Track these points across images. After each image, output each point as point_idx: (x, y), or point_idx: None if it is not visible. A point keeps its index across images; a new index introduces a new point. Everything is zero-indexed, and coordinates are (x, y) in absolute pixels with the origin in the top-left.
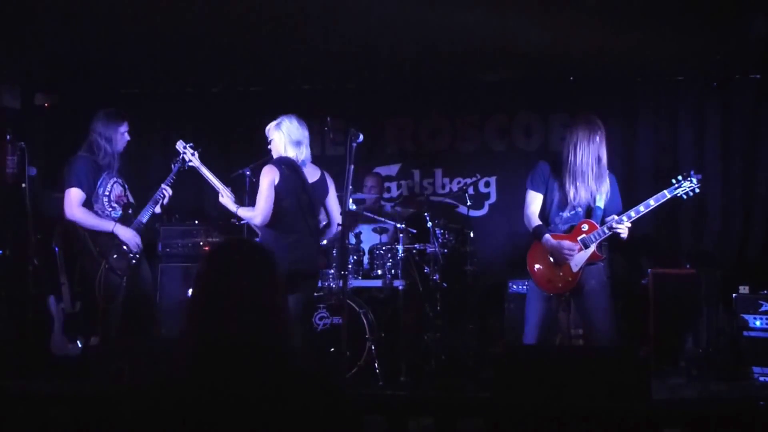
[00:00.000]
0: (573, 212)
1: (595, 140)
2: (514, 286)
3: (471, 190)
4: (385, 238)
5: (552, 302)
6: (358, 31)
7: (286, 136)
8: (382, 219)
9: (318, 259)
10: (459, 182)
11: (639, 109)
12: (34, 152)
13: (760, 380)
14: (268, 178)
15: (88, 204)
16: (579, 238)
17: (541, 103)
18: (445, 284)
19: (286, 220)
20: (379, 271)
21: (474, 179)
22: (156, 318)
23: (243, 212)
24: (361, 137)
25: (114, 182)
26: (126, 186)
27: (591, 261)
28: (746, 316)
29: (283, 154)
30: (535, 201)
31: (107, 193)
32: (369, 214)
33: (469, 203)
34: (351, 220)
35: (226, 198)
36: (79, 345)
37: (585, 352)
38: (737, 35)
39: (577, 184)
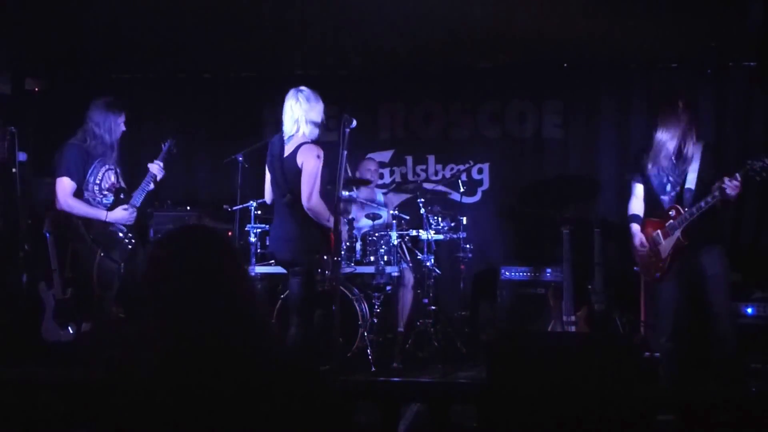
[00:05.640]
0: (671, 195)
1: (678, 118)
2: (507, 273)
3: (464, 177)
4: (378, 224)
5: (669, 285)
6: (352, 17)
7: (283, 114)
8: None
9: (295, 244)
10: (452, 169)
11: (633, 95)
12: (24, 137)
13: (751, 367)
14: None
15: (78, 192)
16: (666, 224)
17: (534, 90)
18: (438, 271)
19: (273, 199)
20: (372, 258)
21: (467, 166)
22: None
23: None
24: (355, 123)
25: (107, 170)
26: (119, 171)
27: (678, 246)
28: (738, 304)
29: None
30: (635, 191)
31: (98, 181)
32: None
33: (462, 190)
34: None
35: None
36: (71, 332)
37: (578, 339)
38: (732, 22)
39: (664, 165)
